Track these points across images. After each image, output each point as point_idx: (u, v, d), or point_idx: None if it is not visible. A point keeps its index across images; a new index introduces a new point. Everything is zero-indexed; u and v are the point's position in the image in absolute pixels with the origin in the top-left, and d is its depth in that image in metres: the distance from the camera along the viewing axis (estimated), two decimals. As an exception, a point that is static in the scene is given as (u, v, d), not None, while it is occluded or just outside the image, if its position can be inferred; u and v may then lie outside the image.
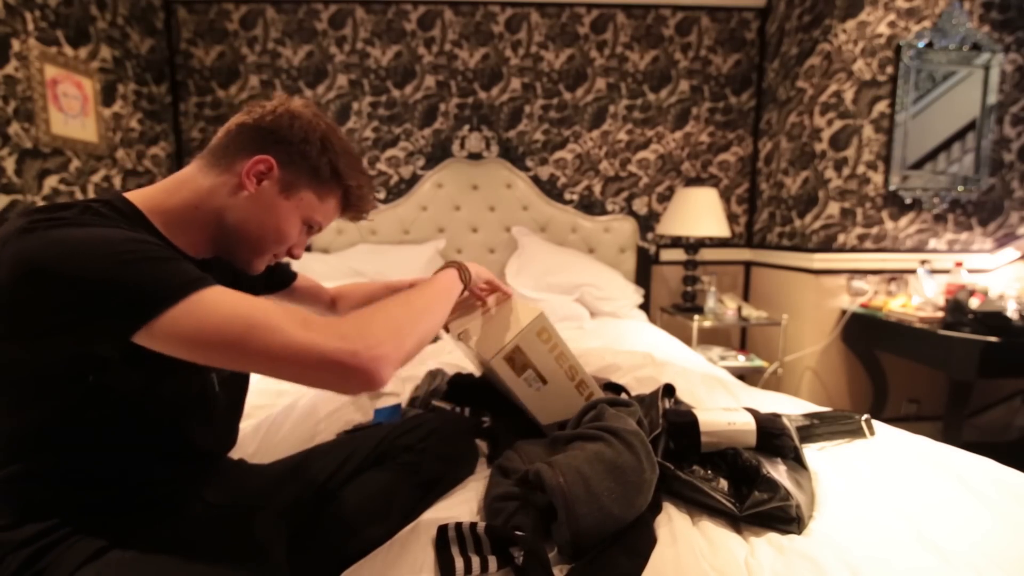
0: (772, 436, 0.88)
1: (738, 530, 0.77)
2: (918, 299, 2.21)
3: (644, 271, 2.68)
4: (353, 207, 0.82)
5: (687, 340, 2.23)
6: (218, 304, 0.55)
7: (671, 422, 0.90)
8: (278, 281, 1.06)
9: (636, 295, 2.45)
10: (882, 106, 2.28)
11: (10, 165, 1.81)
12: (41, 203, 1.91)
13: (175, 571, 0.60)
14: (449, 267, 0.88)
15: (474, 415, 1.10)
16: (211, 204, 0.71)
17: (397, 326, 0.64)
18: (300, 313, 0.59)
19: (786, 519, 0.75)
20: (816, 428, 1.04)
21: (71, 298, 0.52)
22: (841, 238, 2.35)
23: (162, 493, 0.69)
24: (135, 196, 0.68)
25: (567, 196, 2.68)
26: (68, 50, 2.03)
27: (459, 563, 0.64)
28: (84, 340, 0.55)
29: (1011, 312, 1.80)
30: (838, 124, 2.29)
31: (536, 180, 2.66)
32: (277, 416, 1.19)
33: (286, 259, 0.83)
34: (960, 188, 2.34)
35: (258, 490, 0.81)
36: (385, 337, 0.60)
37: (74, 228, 0.56)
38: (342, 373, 0.56)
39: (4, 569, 0.58)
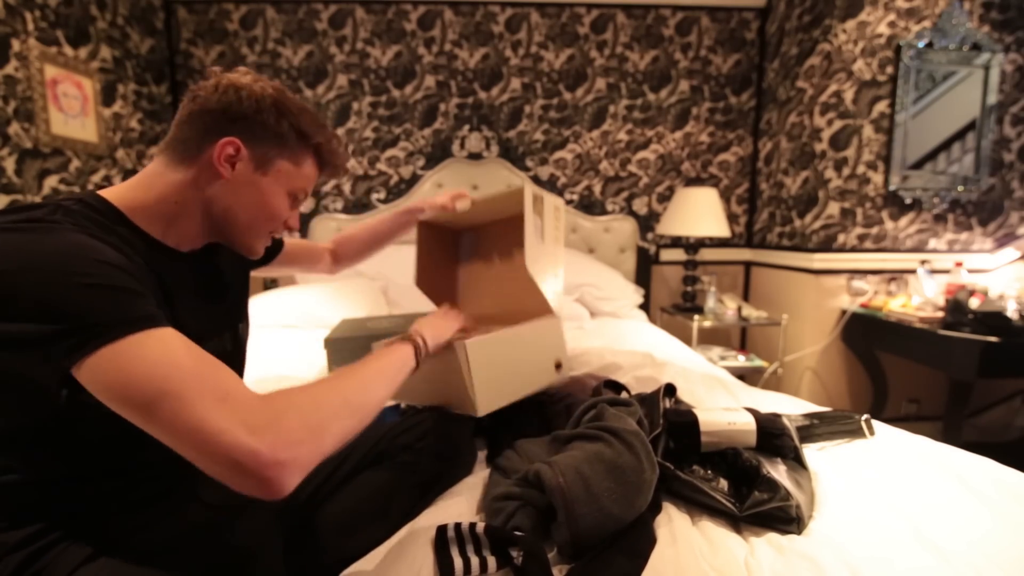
0: (772, 436, 0.88)
1: (738, 530, 0.77)
2: (918, 299, 2.21)
3: (644, 271, 2.68)
4: (328, 164, 0.81)
5: (687, 340, 2.23)
6: (144, 357, 0.52)
7: (671, 422, 0.90)
8: (267, 253, 1.02)
9: (636, 295, 2.45)
10: (882, 106, 2.28)
11: (10, 165, 1.81)
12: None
13: (172, 572, 0.60)
14: (404, 343, 0.84)
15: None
16: (190, 197, 0.70)
17: (321, 421, 0.58)
18: (225, 378, 0.55)
19: (786, 519, 0.75)
20: (816, 428, 1.04)
21: (12, 313, 0.51)
22: (841, 238, 2.35)
23: (159, 494, 0.69)
24: (110, 195, 0.67)
25: (567, 196, 2.68)
26: (68, 50, 2.03)
27: (458, 563, 0.64)
28: (22, 361, 0.53)
29: (1011, 312, 1.80)
30: (838, 124, 2.28)
31: (536, 180, 2.66)
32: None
33: (285, 233, 0.83)
34: (960, 188, 2.34)
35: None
36: (301, 436, 0.55)
37: (37, 235, 0.55)
38: (238, 473, 0.51)
39: (2, 571, 0.57)
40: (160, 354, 0.53)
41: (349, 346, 1.43)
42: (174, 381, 0.51)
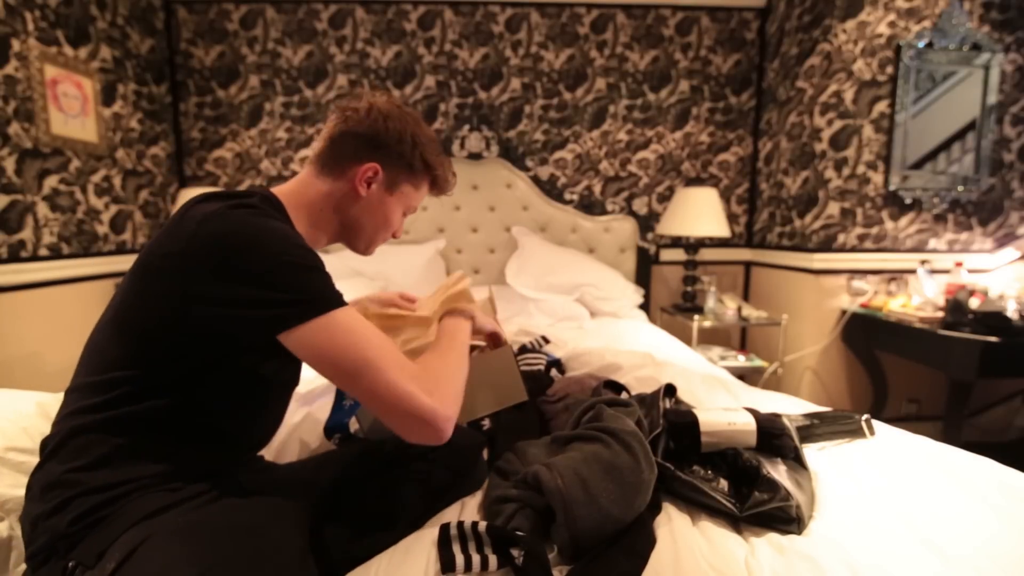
0: (772, 436, 0.88)
1: (738, 530, 0.77)
2: (918, 299, 2.21)
3: (644, 271, 2.68)
4: (439, 188, 0.92)
5: (687, 340, 2.23)
6: (348, 330, 0.65)
7: (671, 422, 0.90)
8: None
9: (636, 295, 2.45)
10: (882, 106, 2.28)
11: (10, 165, 1.81)
12: (42, 203, 1.91)
13: (219, 546, 0.60)
14: (467, 321, 0.93)
15: (474, 422, 1.09)
16: (329, 204, 0.83)
17: (458, 385, 0.74)
18: (400, 357, 0.67)
19: (786, 519, 0.75)
20: (816, 428, 1.04)
21: (243, 278, 0.63)
22: (841, 238, 2.35)
23: (218, 473, 0.73)
24: (279, 192, 0.80)
25: (567, 196, 2.68)
26: (68, 50, 2.03)
27: (460, 560, 0.65)
28: (234, 324, 0.65)
29: (1011, 312, 1.80)
30: (838, 124, 2.28)
31: (536, 180, 2.66)
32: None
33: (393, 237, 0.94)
34: (960, 188, 2.34)
35: (282, 480, 0.85)
36: (453, 399, 0.70)
37: (263, 219, 0.68)
38: (420, 427, 0.65)
39: (70, 511, 0.62)
40: (356, 328, 0.66)
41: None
42: (372, 351, 0.65)
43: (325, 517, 0.80)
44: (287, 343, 0.64)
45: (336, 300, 0.67)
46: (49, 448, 0.68)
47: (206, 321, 0.65)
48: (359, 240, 0.89)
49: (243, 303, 0.63)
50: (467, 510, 0.83)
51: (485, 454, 1.04)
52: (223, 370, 0.70)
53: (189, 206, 0.70)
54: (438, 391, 0.67)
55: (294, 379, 0.85)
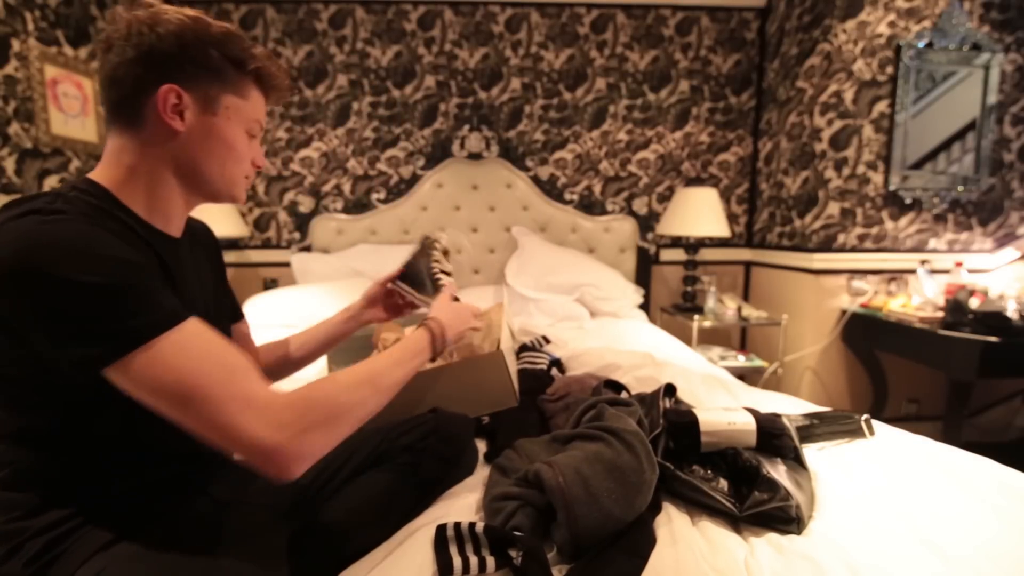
0: (772, 436, 0.88)
1: (738, 530, 0.77)
2: (918, 299, 2.21)
3: (644, 271, 2.68)
4: (273, 87, 0.76)
5: (687, 340, 2.23)
6: (170, 361, 0.55)
7: (671, 422, 0.90)
8: (234, 314, 0.96)
9: (636, 295, 2.45)
10: (882, 106, 2.28)
11: (10, 165, 1.81)
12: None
13: (180, 566, 0.60)
14: (421, 332, 0.84)
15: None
16: (152, 160, 0.67)
17: (337, 417, 0.63)
18: (249, 383, 0.58)
19: (786, 519, 0.75)
20: (816, 428, 1.04)
21: (36, 312, 0.53)
22: (841, 238, 2.35)
23: (172, 488, 0.70)
24: (98, 177, 0.66)
25: (567, 196, 2.68)
26: (68, 50, 2.03)
27: (457, 562, 0.64)
28: (57, 354, 0.54)
29: (1011, 312, 1.80)
30: (838, 124, 2.28)
31: (536, 180, 2.66)
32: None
33: (256, 170, 0.79)
34: (960, 188, 2.34)
35: (261, 489, 0.81)
36: (320, 434, 0.61)
37: (56, 226, 0.55)
38: (261, 462, 0.57)
39: (23, 555, 0.59)
40: (188, 355, 0.56)
41: (349, 346, 1.43)
42: (204, 384, 0.55)
43: (312, 515, 0.79)
44: (112, 379, 0.55)
45: (161, 322, 0.55)
46: None
47: (17, 363, 0.56)
48: (210, 184, 0.72)
49: (41, 342, 0.54)
50: (459, 502, 0.83)
51: (485, 447, 1.04)
52: (91, 399, 0.59)
53: None
54: (293, 426, 0.58)
55: None
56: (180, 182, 0.70)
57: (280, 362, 1.03)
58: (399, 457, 0.87)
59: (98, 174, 0.67)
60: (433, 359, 0.86)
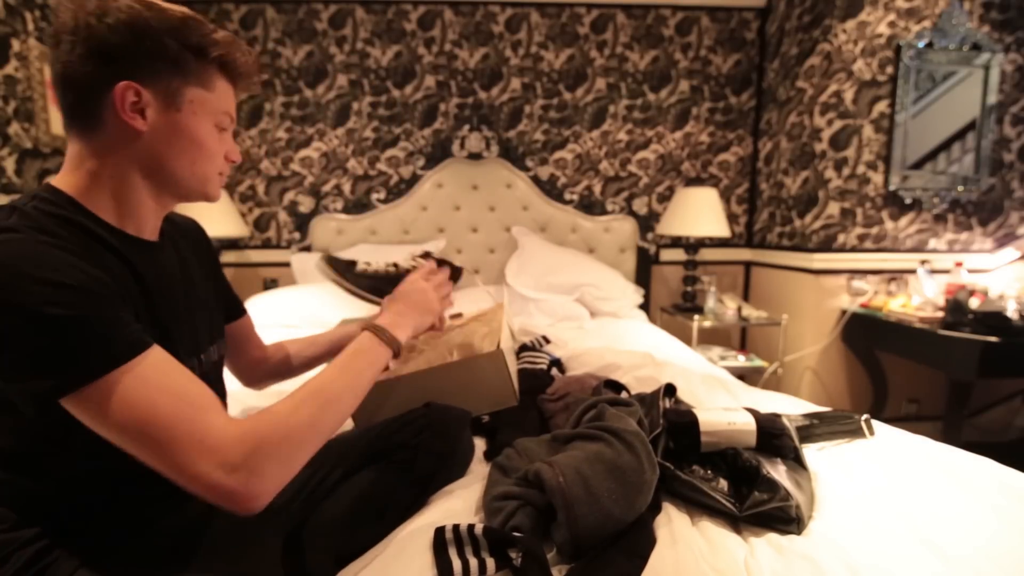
0: (772, 436, 0.87)
1: (738, 530, 0.77)
2: (918, 299, 2.21)
3: (644, 271, 2.68)
4: (240, 75, 0.70)
5: (687, 340, 2.23)
6: (123, 398, 0.53)
7: (671, 421, 0.90)
8: (233, 312, 0.95)
9: (636, 295, 2.45)
10: (882, 106, 2.28)
11: (10, 165, 1.81)
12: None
13: (174, 570, 0.60)
14: (364, 334, 0.79)
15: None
16: (120, 165, 0.63)
17: (292, 438, 0.61)
18: (205, 419, 0.56)
19: (786, 519, 0.75)
20: (816, 428, 1.04)
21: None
22: (841, 238, 2.35)
23: (161, 493, 0.69)
24: (62, 185, 0.63)
25: (567, 196, 2.68)
26: (68, 50, 2.03)
27: (457, 565, 0.64)
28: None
29: (1011, 312, 1.80)
30: (838, 124, 2.28)
31: (536, 180, 2.66)
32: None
33: (231, 164, 0.75)
34: (960, 188, 2.34)
35: None
36: (276, 464, 0.59)
37: (17, 245, 0.52)
38: (221, 503, 0.56)
39: (10, 567, 0.58)
40: (144, 389, 0.53)
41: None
42: (157, 423, 0.53)
43: (308, 514, 0.79)
44: (67, 408, 0.53)
45: (111, 357, 0.53)
46: None
47: None
48: (181, 185, 0.68)
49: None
50: (458, 502, 0.82)
51: (484, 445, 1.04)
52: (56, 421, 0.55)
53: None
54: (246, 466, 0.55)
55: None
56: (149, 184, 0.66)
57: (286, 362, 1.03)
58: (394, 454, 0.86)
59: (61, 180, 0.63)
60: (396, 355, 0.81)
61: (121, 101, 0.60)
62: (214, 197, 0.72)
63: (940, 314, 2.03)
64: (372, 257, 1.20)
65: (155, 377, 0.55)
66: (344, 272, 1.04)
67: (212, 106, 0.67)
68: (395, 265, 1.04)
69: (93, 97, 0.60)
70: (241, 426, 0.58)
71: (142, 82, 0.61)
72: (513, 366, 1.20)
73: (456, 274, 1.05)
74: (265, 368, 1.03)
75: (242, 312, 0.96)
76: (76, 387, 0.51)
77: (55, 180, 0.63)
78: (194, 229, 0.87)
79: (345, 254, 2.45)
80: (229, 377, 0.93)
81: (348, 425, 1.09)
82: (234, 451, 0.56)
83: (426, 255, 1.11)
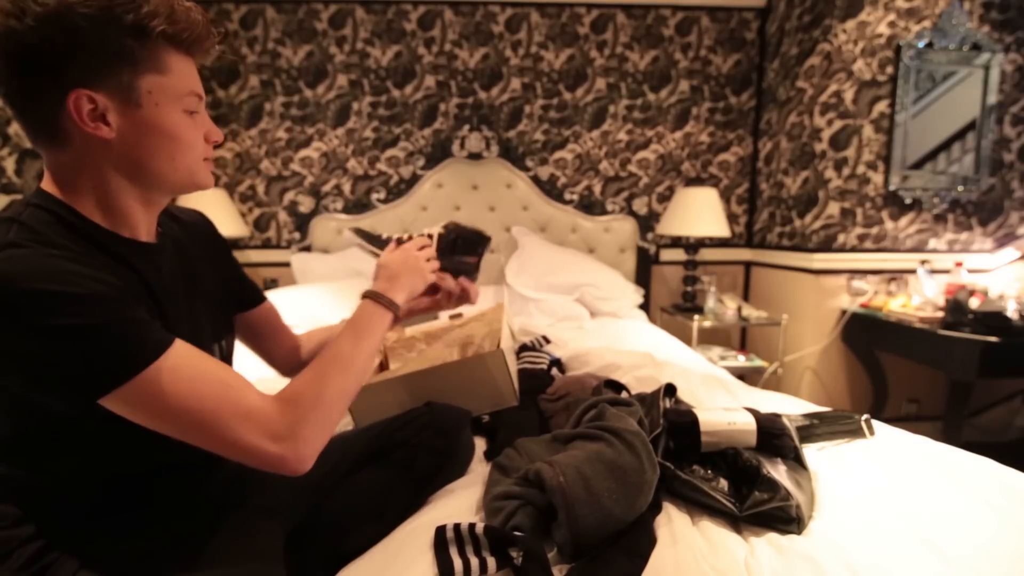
0: (772, 436, 0.88)
1: (738, 530, 0.77)
2: (918, 299, 2.21)
3: (644, 271, 2.68)
4: (192, 42, 0.62)
5: (687, 340, 2.23)
6: (165, 390, 0.55)
7: (671, 421, 0.90)
8: (250, 300, 0.95)
9: (636, 295, 2.45)
10: (882, 106, 2.28)
11: (10, 165, 1.81)
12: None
13: (176, 568, 0.60)
14: (364, 303, 0.79)
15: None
16: (97, 173, 0.60)
17: (328, 415, 0.66)
18: (243, 396, 0.60)
19: (786, 519, 0.75)
20: (816, 428, 1.04)
21: (20, 354, 0.52)
22: (841, 238, 2.35)
23: (164, 492, 0.69)
24: (53, 190, 0.61)
25: (567, 196, 2.68)
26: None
27: (458, 564, 0.64)
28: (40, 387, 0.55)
29: (1011, 312, 1.80)
30: (838, 124, 2.28)
31: (536, 180, 2.66)
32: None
33: (215, 145, 0.70)
34: (960, 188, 2.34)
35: (256, 489, 0.80)
36: (314, 428, 0.63)
37: (28, 261, 0.52)
38: (272, 468, 0.61)
39: (12, 563, 0.58)
40: (180, 379, 0.56)
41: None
42: (200, 409, 0.57)
43: (310, 512, 0.79)
44: (108, 407, 0.55)
45: (143, 357, 0.54)
46: None
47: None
48: (167, 181, 0.64)
49: (17, 384, 0.55)
50: (458, 501, 0.83)
51: (485, 445, 1.04)
52: (67, 419, 0.59)
53: None
54: (291, 434, 0.60)
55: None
56: (134, 187, 0.63)
57: (311, 353, 1.03)
58: (394, 453, 0.87)
59: (49, 187, 0.62)
60: (397, 319, 0.82)
61: (78, 112, 0.56)
62: (206, 185, 0.69)
63: (940, 314, 2.03)
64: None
65: (187, 366, 0.58)
66: (373, 241, 1.06)
67: (173, 90, 0.61)
68: (429, 235, 1.03)
69: (48, 113, 0.57)
70: (278, 398, 0.63)
71: (92, 86, 0.56)
72: (513, 366, 1.21)
73: (481, 243, 1.05)
74: (301, 356, 1.02)
75: (261, 299, 0.95)
76: (112, 388, 0.53)
77: (46, 184, 0.62)
78: (200, 222, 0.85)
79: (345, 254, 2.45)
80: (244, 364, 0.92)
81: (349, 424, 1.10)
82: (278, 422, 0.60)
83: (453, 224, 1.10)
